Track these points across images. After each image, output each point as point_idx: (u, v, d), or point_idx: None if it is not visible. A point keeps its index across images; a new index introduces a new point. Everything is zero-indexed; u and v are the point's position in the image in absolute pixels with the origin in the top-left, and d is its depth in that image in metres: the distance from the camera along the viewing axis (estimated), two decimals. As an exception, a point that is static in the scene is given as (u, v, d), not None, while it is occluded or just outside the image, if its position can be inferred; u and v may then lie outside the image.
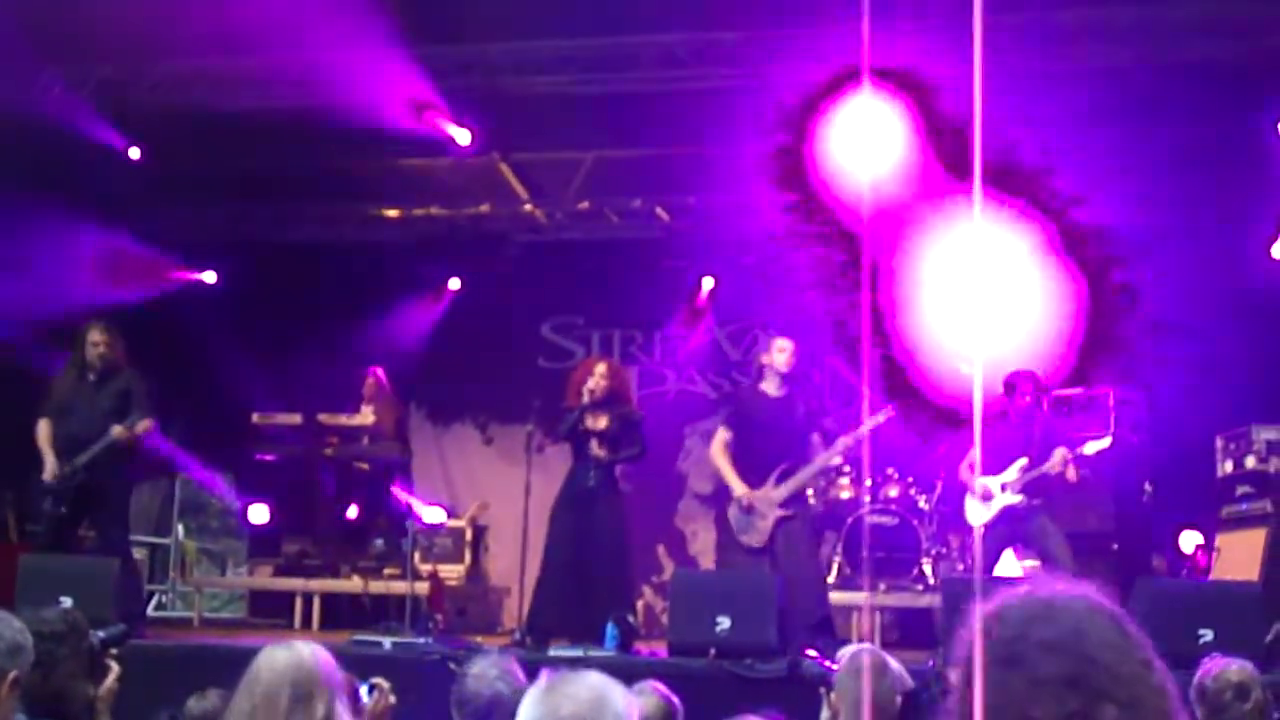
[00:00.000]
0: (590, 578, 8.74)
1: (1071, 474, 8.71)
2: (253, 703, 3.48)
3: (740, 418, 8.88)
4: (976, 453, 8.79)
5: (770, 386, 8.80)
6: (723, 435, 8.86)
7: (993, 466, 8.89)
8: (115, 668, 4.50)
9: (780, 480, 8.55)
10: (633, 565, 9.27)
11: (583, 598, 8.70)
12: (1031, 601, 1.95)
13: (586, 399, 8.93)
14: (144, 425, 8.83)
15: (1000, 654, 1.91)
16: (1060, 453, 8.64)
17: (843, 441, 8.73)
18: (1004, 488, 8.86)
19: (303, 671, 3.52)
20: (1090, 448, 8.73)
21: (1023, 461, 8.79)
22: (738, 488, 8.60)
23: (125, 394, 8.91)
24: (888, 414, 8.87)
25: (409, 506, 10.79)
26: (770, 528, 8.51)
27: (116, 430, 8.65)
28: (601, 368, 9.14)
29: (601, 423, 8.95)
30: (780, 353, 8.73)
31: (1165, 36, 9.67)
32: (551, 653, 7.74)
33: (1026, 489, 8.80)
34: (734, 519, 8.69)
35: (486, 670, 4.06)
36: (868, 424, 8.79)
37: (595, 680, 2.82)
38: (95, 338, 8.92)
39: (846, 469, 11.44)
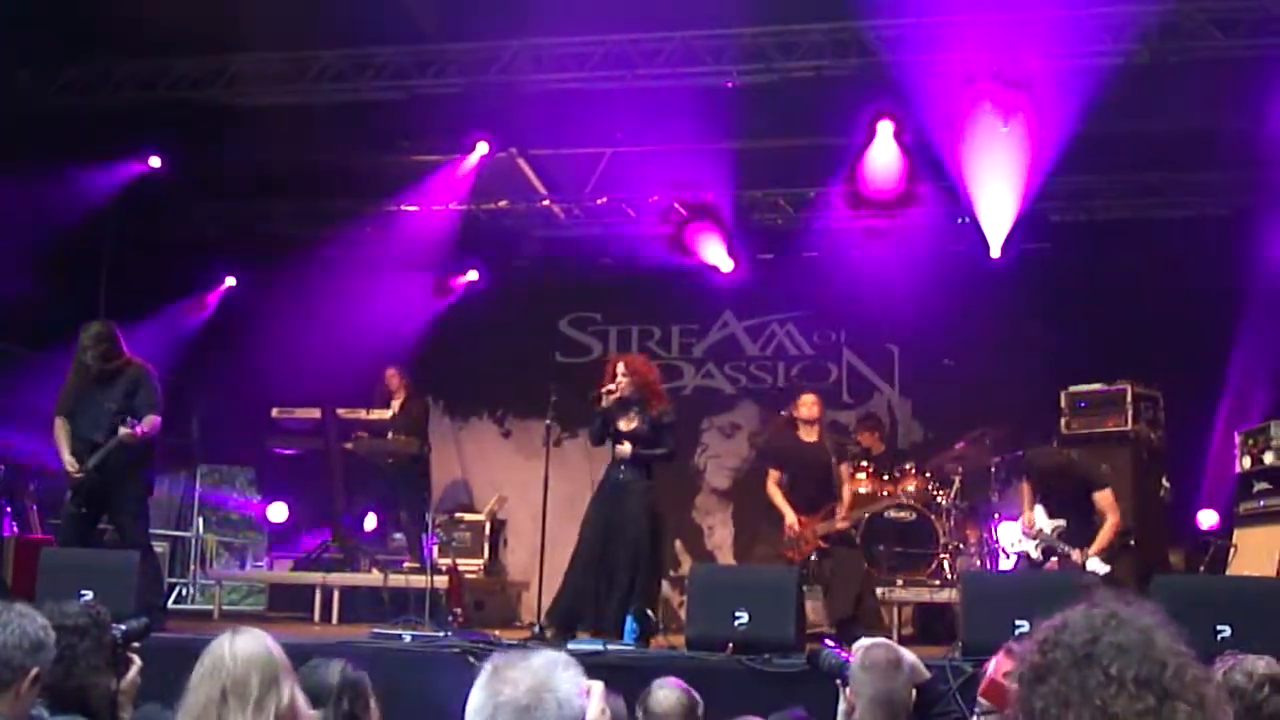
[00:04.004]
0: (613, 571, 8.77)
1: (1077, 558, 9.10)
2: (220, 688, 3.48)
3: (785, 461, 10.01)
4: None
5: (806, 434, 9.93)
6: (774, 475, 10.01)
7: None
8: (137, 661, 4.53)
9: (825, 518, 9.80)
10: (658, 561, 9.20)
11: (604, 591, 8.73)
12: (1097, 611, 2.08)
13: (608, 401, 8.97)
14: (149, 422, 8.80)
15: (1075, 656, 2.03)
16: (1078, 555, 9.00)
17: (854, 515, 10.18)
18: (1038, 536, 9.27)
19: (270, 658, 3.55)
20: (1090, 564, 8.94)
21: (1062, 523, 9.19)
22: (789, 517, 9.79)
23: (132, 391, 8.88)
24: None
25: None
26: (810, 550, 9.76)
27: (123, 432, 8.64)
28: (622, 367, 9.16)
29: (633, 424, 8.99)
30: (803, 406, 9.97)
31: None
32: (571, 646, 7.76)
33: (1047, 552, 9.22)
34: (786, 540, 9.85)
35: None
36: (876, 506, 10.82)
37: (540, 665, 2.73)
38: (84, 341, 8.92)
39: (866, 464, 11.47)
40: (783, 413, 10.45)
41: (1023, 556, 9.29)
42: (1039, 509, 9.29)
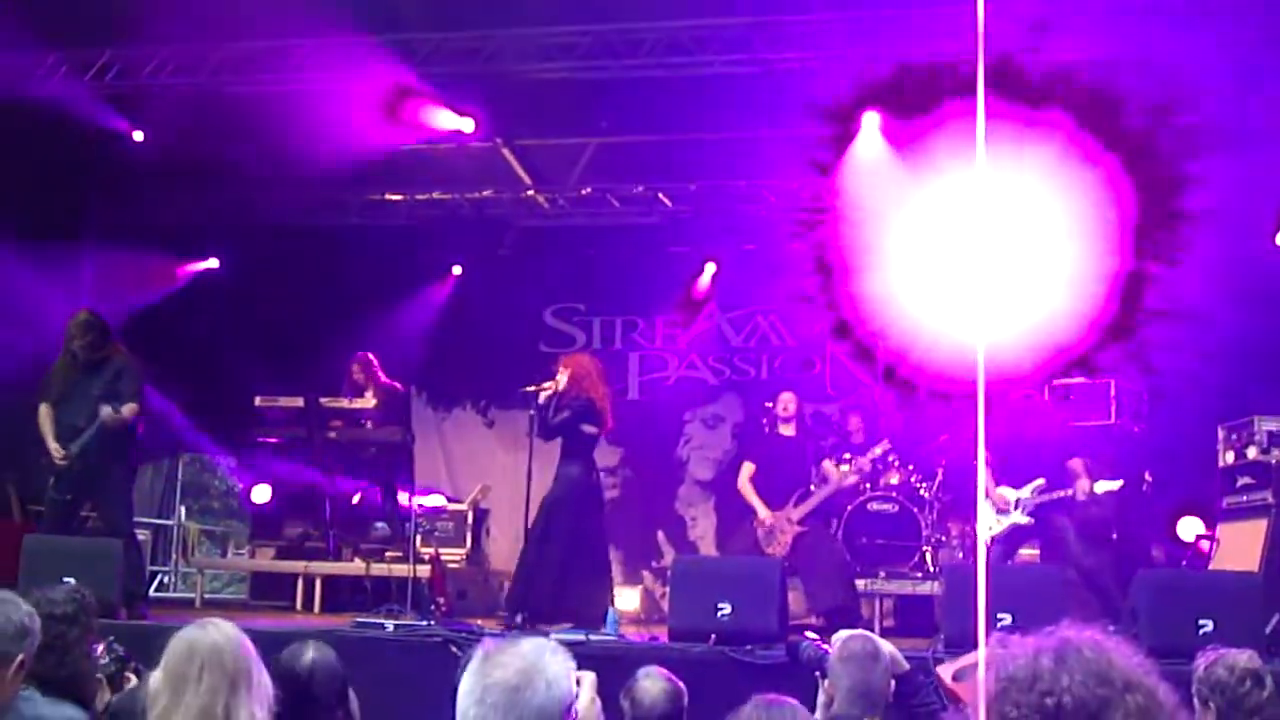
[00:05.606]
0: (555, 558, 8.95)
1: (1082, 496, 9.16)
2: (206, 671, 3.43)
3: (762, 455, 10.20)
4: (981, 454, 9.10)
5: (785, 429, 10.16)
6: (748, 469, 10.16)
7: (1009, 477, 9.30)
8: (134, 680, 4.58)
9: (797, 503, 9.87)
10: (589, 547, 9.25)
11: (550, 579, 8.92)
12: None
13: (542, 399, 9.17)
14: (130, 409, 8.85)
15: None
16: (1080, 485, 9.12)
17: (840, 474, 10.31)
18: (1019, 504, 9.21)
19: (223, 652, 3.50)
20: (1100, 487, 9.09)
21: (1039, 482, 9.16)
22: (761, 511, 9.90)
23: (116, 379, 8.94)
24: (885, 447, 10.71)
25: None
26: (790, 540, 9.73)
27: (105, 413, 8.68)
28: (562, 368, 9.38)
29: (564, 415, 9.17)
30: (780, 403, 10.21)
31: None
32: (554, 636, 7.76)
33: (1038, 512, 9.16)
34: (760, 536, 9.88)
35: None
36: (869, 455, 10.55)
37: (529, 650, 2.80)
38: (72, 331, 8.97)
39: (846, 455, 11.47)
40: (768, 404, 10.51)
41: (1010, 532, 9.20)
42: (1003, 486, 9.33)
